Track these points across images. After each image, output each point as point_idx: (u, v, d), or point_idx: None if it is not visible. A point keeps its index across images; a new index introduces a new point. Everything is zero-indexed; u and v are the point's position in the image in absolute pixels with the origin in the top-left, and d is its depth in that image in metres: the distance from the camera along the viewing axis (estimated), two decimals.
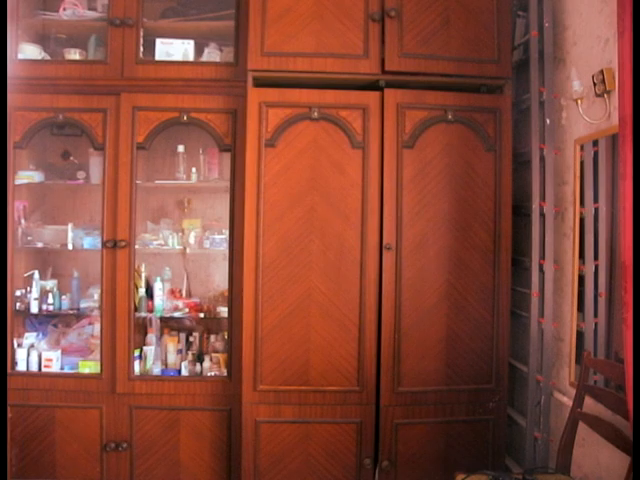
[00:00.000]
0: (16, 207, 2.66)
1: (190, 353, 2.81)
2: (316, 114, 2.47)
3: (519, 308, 2.68)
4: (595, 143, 2.28)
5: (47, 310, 2.72)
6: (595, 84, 2.18)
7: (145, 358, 2.72)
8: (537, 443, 2.53)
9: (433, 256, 2.51)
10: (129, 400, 2.61)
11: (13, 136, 2.58)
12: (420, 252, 2.50)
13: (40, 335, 2.78)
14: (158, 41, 2.69)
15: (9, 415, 2.53)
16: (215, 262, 3.02)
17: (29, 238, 2.74)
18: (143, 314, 2.75)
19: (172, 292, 2.89)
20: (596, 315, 2.29)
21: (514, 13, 2.72)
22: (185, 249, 2.84)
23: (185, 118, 2.61)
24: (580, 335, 2.38)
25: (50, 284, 2.78)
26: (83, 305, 2.77)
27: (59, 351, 2.70)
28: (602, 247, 2.25)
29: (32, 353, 2.66)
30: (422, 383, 2.52)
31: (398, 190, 2.49)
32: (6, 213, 2.53)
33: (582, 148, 2.36)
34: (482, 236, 2.53)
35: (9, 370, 2.60)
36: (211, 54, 2.74)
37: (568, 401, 2.32)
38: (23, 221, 2.75)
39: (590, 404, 2.13)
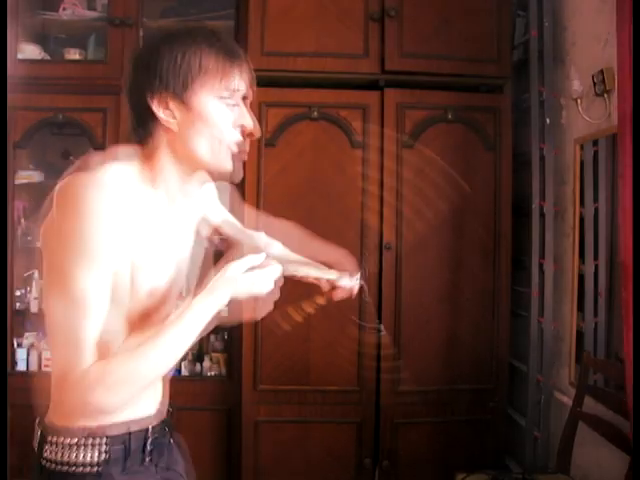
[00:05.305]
0: (16, 207, 2.66)
1: (190, 352, 2.80)
2: (316, 114, 2.47)
3: (519, 308, 2.68)
4: (595, 143, 2.27)
5: None
6: (595, 83, 2.17)
7: None
8: (537, 443, 2.52)
9: (433, 256, 2.51)
10: None
11: (13, 136, 2.57)
12: (420, 252, 2.50)
13: (40, 334, 2.77)
14: None
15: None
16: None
17: (29, 238, 2.73)
18: None
19: None
20: (596, 314, 2.29)
21: (514, 13, 2.72)
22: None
23: None
24: (580, 335, 2.38)
25: None
26: None
27: None
28: (602, 246, 2.25)
29: (32, 353, 2.65)
30: (422, 383, 2.51)
31: (398, 190, 2.49)
32: (6, 213, 2.53)
33: (582, 148, 2.36)
34: (482, 236, 2.53)
35: (9, 370, 2.59)
36: None
37: (568, 401, 2.32)
38: (23, 221, 2.74)
39: (590, 404, 2.13)
